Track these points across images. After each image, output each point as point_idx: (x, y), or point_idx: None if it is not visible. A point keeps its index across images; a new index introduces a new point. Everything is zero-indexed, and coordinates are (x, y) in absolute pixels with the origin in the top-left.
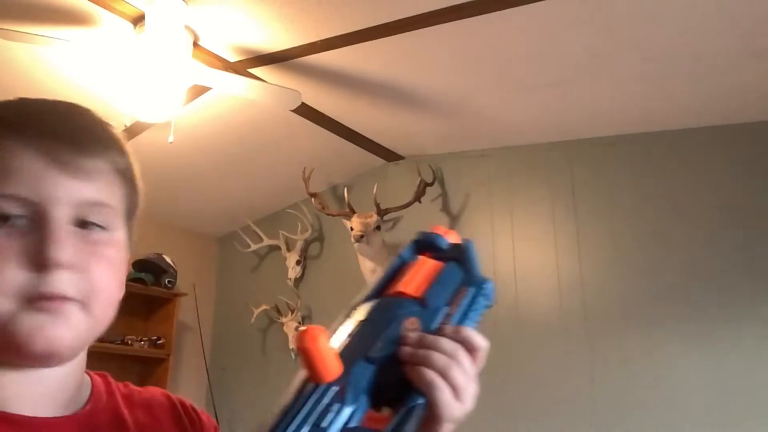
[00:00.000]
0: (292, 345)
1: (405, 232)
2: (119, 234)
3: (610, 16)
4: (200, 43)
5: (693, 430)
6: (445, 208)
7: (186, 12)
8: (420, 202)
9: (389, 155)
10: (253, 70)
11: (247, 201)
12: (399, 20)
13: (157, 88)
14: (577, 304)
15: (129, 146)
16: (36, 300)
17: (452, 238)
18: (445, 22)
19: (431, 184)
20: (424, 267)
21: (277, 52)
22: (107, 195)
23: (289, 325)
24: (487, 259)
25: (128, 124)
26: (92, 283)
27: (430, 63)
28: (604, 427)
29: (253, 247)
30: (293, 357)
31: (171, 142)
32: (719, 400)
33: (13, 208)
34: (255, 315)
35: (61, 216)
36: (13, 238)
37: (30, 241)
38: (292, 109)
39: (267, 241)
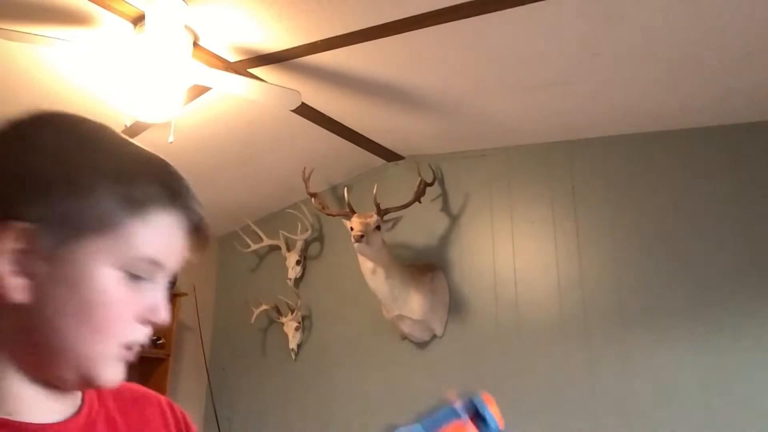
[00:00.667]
0: (292, 345)
1: (405, 232)
2: None
3: (611, 15)
4: (200, 43)
5: (693, 431)
6: (445, 208)
7: (186, 12)
8: (420, 202)
9: (389, 155)
10: (253, 70)
11: (247, 201)
12: (399, 20)
13: (157, 88)
14: (577, 304)
15: None
16: (130, 348)
17: (495, 412)
18: (445, 22)
19: (431, 184)
20: None
21: (277, 52)
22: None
23: (289, 325)
24: (487, 259)
25: (128, 124)
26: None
27: (430, 63)
28: (603, 427)
29: (253, 247)
30: (293, 357)
31: (171, 142)
32: (719, 401)
33: (149, 273)
34: (255, 315)
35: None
36: (139, 294)
37: (150, 300)
38: (292, 109)
39: (267, 241)
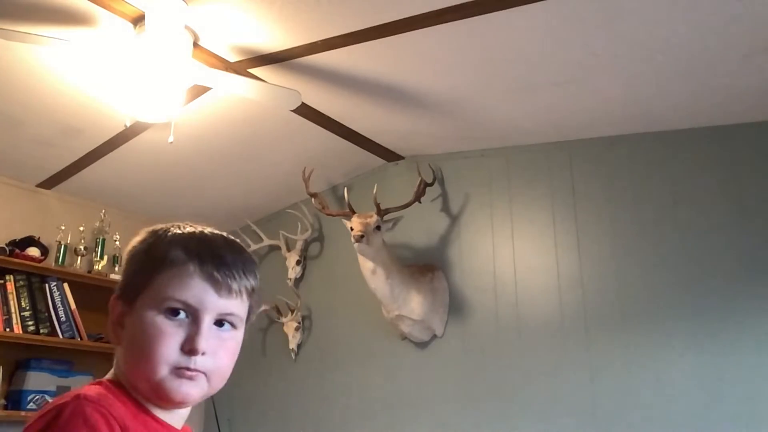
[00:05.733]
0: (292, 345)
1: (405, 232)
2: (239, 332)
3: (610, 15)
4: (200, 43)
5: (693, 431)
6: (445, 208)
7: (186, 12)
8: (420, 202)
9: (389, 155)
10: (253, 70)
11: (247, 201)
12: (399, 20)
13: (157, 88)
14: (577, 304)
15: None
16: (182, 371)
17: None
18: (445, 22)
19: (431, 184)
20: None
21: (277, 52)
22: (238, 308)
23: (289, 325)
24: (487, 259)
25: (128, 124)
26: (217, 364)
27: (430, 63)
28: (603, 427)
29: (253, 247)
30: (293, 357)
31: (171, 142)
32: (719, 400)
33: (181, 309)
34: (255, 315)
35: (208, 320)
36: (177, 328)
37: (187, 333)
38: (292, 109)
39: (267, 241)
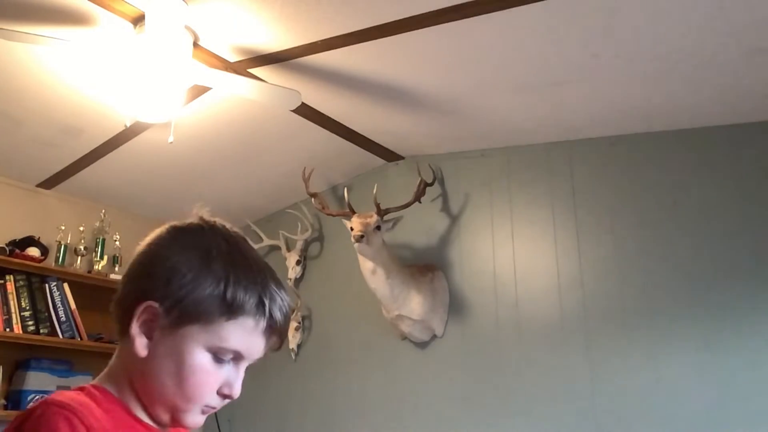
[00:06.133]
0: (292, 345)
1: (405, 232)
2: None
3: (610, 16)
4: (200, 43)
5: (693, 430)
6: (445, 208)
7: (186, 12)
8: (420, 202)
9: (389, 155)
10: (253, 70)
11: (247, 201)
12: (399, 20)
13: (157, 88)
14: (577, 304)
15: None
16: (208, 408)
17: None
18: (445, 22)
19: (431, 184)
20: None
21: (277, 52)
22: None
23: (290, 325)
24: (487, 259)
25: (128, 124)
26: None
27: (430, 63)
28: (604, 427)
29: (253, 247)
30: (293, 357)
31: (171, 142)
32: (720, 401)
33: (229, 357)
34: None
35: (245, 365)
36: (220, 370)
37: (227, 377)
38: (292, 109)
39: (267, 241)
